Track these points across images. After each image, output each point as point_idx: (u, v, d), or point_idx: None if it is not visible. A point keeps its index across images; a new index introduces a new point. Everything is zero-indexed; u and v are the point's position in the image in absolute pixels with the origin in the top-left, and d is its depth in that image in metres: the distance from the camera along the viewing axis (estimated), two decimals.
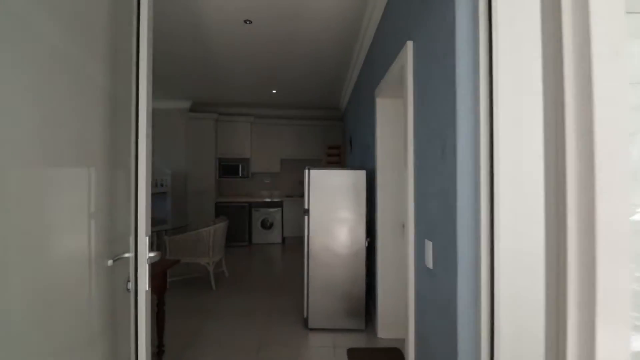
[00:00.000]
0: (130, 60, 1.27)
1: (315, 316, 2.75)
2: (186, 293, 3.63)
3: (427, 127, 1.51)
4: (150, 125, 1.31)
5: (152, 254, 1.26)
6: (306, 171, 2.78)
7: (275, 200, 6.19)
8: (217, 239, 3.84)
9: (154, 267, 2.40)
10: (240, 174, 6.32)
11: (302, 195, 6.87)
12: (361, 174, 2.77)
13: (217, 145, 6.25)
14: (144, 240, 1.24)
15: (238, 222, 6.02)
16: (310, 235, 2.76)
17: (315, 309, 2.75)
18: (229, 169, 6.30)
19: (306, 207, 2.77)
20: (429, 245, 1.46)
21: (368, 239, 2.78)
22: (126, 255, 1.24)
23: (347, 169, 2.79)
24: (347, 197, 2.77)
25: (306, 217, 2.77)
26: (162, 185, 5.81)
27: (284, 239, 6.24)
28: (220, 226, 3.88)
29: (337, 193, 2.77)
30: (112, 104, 1.19)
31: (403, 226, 2.51)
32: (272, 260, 5.17)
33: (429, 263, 1.46)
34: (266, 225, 6.14)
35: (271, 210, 6.13)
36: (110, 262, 1.15)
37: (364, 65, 3.54)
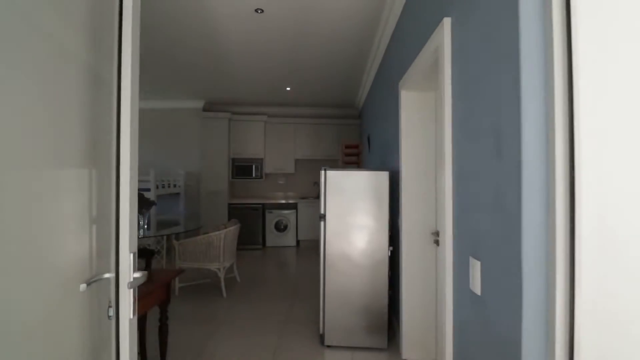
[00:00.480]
0: (111, 29, 1.02)
1: (332, 332, 2.50)
2: (195, 300, 3.44)
3: (472, 121, 1.23)
4: (137, 112, 1.09)
5: (137, 275, 1.04)
6: (322, 172, 2.53)
7: (290, 201, 5.98)
8: (228, 243, 3.65)
9: (158, 277, 2.22)
10: (253, 175, 6.14)
11: (318, 197, 6.68)
12: (383, 176, 2.50)
13: (230, 145, 6.10)
14: (127, 259, 1.02)
15: (251, 224, 5.84)
16: (327, 242, 2.51)
17: (332, 324, 2.50)
18: (242, 169, 6.13)
19: (322, 211, 2.52)
20: (475, 266, 1.18)
21: (391, 248, 2.50)
22: (106, 275, 1.03)
23: (368, 170, 2.52)
24: (368, 201, 2.50)
25: (322, 222, 2.52)
26: (174, 185, 5.70)
27: (298, 242, 6.02)
28: (232, 230, 3.68)
29: (357, 196, 2.51)
30: (89, 81, 0.96)
31: (434, 235, 2.23)
32: (286, 264, 4.95)
33: (475, 287, 1.18)
34: (280, 228, 5.93)
35: (285, 212, 5.92)
36: (83, 286, 0.93)
37: (386, 56, 3.26)
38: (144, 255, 2.23)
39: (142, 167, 5.69)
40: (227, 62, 4.05)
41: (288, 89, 5.12)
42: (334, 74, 4.44)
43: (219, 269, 3.57)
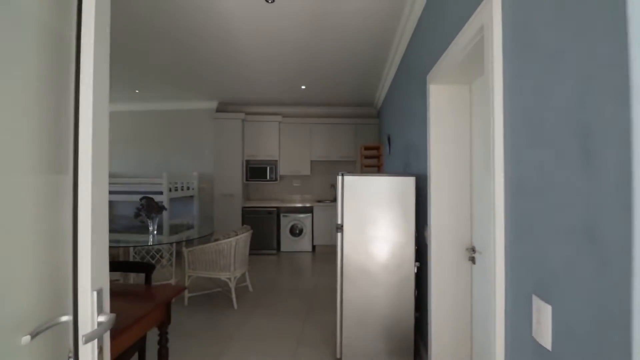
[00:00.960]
0: None
1: (350, 357, 2.23)
2: (204, 311, 3.25)
3: (539, 118, 0.94)
4: (107, 94, 0.86)
5: (102, 319, 0.81)
6: (339, 177, 2.26)
7: (306, 205, 5.74)
8: (239, 251, 3.44)
9: (157, 295, 2.02)
10: (268, 177, 5.94)
11: (334, 200, 6.41)
12: (408, 182, 2.21)
13: (244, 146, 5.92)
14: (88, 298, 0.80)
15: (266, 228, 5.64)
16: (345, 256, 2.24)
17: (351, 348, 2.23)
18: (256, 171, 5.94)
19: (339, 221, 2.25)
20: (542, 309, 0.89)
21: (417, 264, 2.21)
22: (63, 319, 0.80)
23: (391, 175, 2.24)
24: (391, 210, 2.22)
25: (339, 233, 2.25)
26: (188, 188, 5.58)
27: (314, 247, 5.77)
28: (243, 237, 3.47)
29: (378, 205, 2.23)
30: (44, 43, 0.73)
31: (469, 251, 1.92)
32: (301, 271, 4.71)
33: (542, 337, 0.89)
34: (295, 232, 5.70)
35: (301, 215, 5.69)
36: (25, 339, 0.71)
37: (410, 48, 2.96)
38: (143, 270, 2.04)
39: (155, 170, 5.58)
40: (239, 59, 3.86)
41: (303, 87, 4.89)
42: (352, 70, 4.17)
43: (229, 279, 3.37)
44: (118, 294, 1.90)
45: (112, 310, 0.86)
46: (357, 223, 2.24)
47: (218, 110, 5.98)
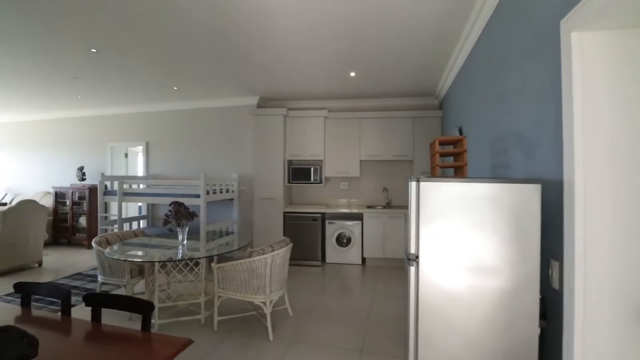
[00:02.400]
0: None
1: None
2: (235, 342, 2.70)
3: None
4: None
5: None
6: (412, 185, 1.53)
7: (354, 211, 5.03)
8: (276, 269, 2.85)
9: (153, 350, 1.48)
10: (312, 179, 5.33)
11: (387, 206, 5.58)
12: (529, 192, 1.41)
13: (286, 145, 5.38)
14: None
15: (310, 236, 5.04)
16: (421, 304, 1.50)
17: None
18: (299, 172, 5.37)
19: (412, 249, 1.52)
20: None
21: (543, 323, 1.40)
22: None
23: (500, 181, 1.46)
24: (498, 234, 1.44)
25: (411, 267, 1.52)
26: (227, 191, 5.17)
27: (364, 260, 5.04)
28: (281, 253, 2.87)
29: (477, 225, 1.46)
30: None
31: None
32: (350, 289, 4.01)
33: None
34: (342, 242, 5.02)
35: (349, 223, 4.99)
36: None
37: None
38: (141, 310, 1.49)
39: (192, 171, 5.24)
40: (280, 45, 3.27)
41: (352, 74, 4.18)
42: (411, 51, 3.38)
43: (264, 303, 2.79)
44: (102, 338, 1.37)
45: None
46: (441, 253, 1.49)
47: (259, 106, 5.51)
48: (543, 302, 1.43)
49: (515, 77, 1.98)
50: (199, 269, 3.15)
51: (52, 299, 2.46)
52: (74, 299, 3.54)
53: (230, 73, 4.26)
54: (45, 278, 4.34)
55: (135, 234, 3.80)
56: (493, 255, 1.44)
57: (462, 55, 3.32)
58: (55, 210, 6.47)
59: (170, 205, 3.25)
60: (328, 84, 4.64)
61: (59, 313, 1.67)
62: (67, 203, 6.37)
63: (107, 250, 3.04)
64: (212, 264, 2.88)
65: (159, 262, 2.89)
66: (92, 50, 3.47)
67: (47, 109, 6.41)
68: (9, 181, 7.30)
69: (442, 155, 2.35)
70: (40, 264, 4.91)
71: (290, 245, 3.08)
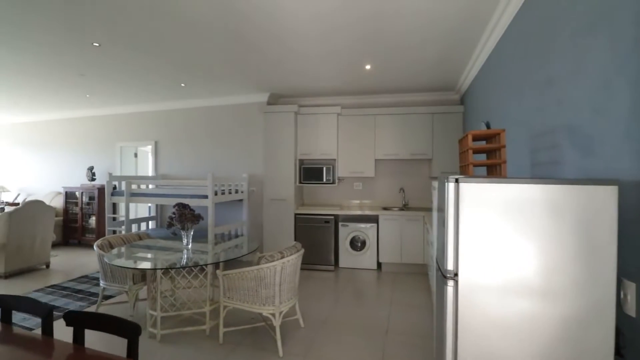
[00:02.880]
0: None
1: None
2: (242, 356, 2.48)
3: None
4: None
5: None
6: (449, 186, 1.26)
7: (368, 213, 4.76)
8: (287, 278, 2.61)
9: None
10: (324, 179, 5.08)
11: (404, 208, 5.27)
12: (602, 195, 1.12)
13: (297, 143, 5.14)
14: None
15: (322, 239, 4.79)
16: (460, 332, 1.23)
17: None
18: (311, 172, 5.12)
19: (449, 265, 1.25)
20: None
21: None
22: None
23: (559, 182, 1.17)
24: (559, 247, 1.15)
25: (449, 287, 1.25)
26: (236, 191, 4.97)
27: (379, 265, 4.76)
28: (292, 260, 2.63)
29: (531, 236, 1.18)
30: None
31: None
32: (366, 297, 3.74)
33: None
34: (357, 246, 4.75)
35: (363, 225, 4.71)
36: None
37: None
38: (125, 334, 1.27)
39: (202, 171, 5.03)
40: (290, 36, 3.04)
41: (368, 67, 3.91)
42: (432, 41, 3.08)
43: (273, 315, 2.55)
44: None
45: None
46: (487, 270, 1.21)
47: (269, 103, 5.29)
48: (618, 333, 1.14)
49: (565, 60, 1.68)
50: (204, 275, 2.94)
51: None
52: (77, 304, 3.40)
53: (238, 67, 4.05)
54: (51, 280, 4.23)
55: (139, 236, 3.63)
56: (553, 275, 1.15)
57: (490, 42, 3.01)
58: (66, 210, 6.42)
59: (174, 207, 3.06)
60: (341, 78, 4.38)
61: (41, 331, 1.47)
62: (78, 203, 6.31)
63: (107, 255, 2.86)
64: (217, 271, 2.67)
65: (163, 269, 2.69)
66: (95, 44, 3.31)
67: (58, 108, 6.36)
68: (22, 182, 7.32)
69: (477, 152, 2.06)
70: (48, 266, 4.82)
71: (302, 251, 2.83)
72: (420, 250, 4.51)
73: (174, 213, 3.01)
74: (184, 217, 2.99)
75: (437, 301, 1.54)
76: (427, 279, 4.29)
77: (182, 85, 4.78)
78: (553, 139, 1.82)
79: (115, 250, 3.05)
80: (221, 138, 5.59)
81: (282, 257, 2.57)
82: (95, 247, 3.12)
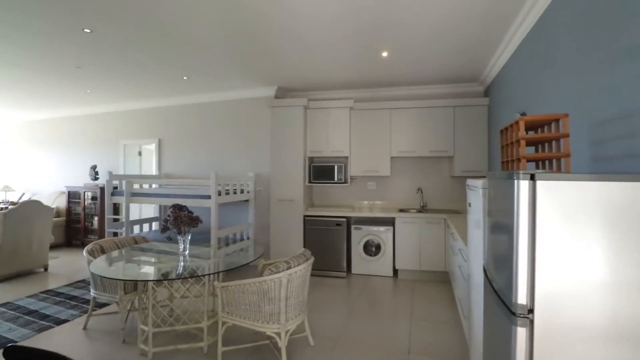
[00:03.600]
0: None
1: None
2: None
3: None
4: None
5: None
6: (520, 184, 0.89)
7: (384, 215, 4.38)
8: (293, 291, 2.27)
9: None
10: (336, 179, 4.72)
11: (423, 209, 4.75)
12: None
13: (306, 140, 4.80)
14: None
15: (333, 243, 4.43)
16: None
17: None
18: (321, 171, 4.77)
19: (521, 298, 0.88)
20: None
21: None
22: None
23: None
24: None
25: (521, 328, 0.88)
26: (242, 191, 4.66)
27: (396, 272, 4.37)
28: (300, 271, 2.29)
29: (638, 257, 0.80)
30: None
31: None
32: (383, 309, 3.36)
33: None
34: (371, 250, 4.38)
35: (378, 229, 4.34)
36: None
37: None
38: None
39: (206, 169, 4.64)
40: (298, 18, 2.69)
41: (384, 54, 3.53)
42: (457, 24, 2.69)
43: (278, 335, 2.21)
44: None
45: None
46: (576, 306, 0.84)
47: (277, 97, 4.96)
48: None
49: None
50: (202, 286, 2.62)
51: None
52: (69, 312, 3.13)
53: (242, 58, 3.73)
54: (47, 285, 3.99)
55: (135, 240, 3.34)
56: None
57: (528, 21, 2.60)
58: (69, 210, 6.24)
59: (169, 208, 2.75)
60: (354, 68, 4.01)
61: None
62: (80, 203, 6.11)
63: (94, 262, 2.56)
64: (215, 283, 2.34)
65: (152, 280, 2.38)
66: (86, 30, 3.03)
67: (60, 106, 6.18)
68: (27, 181, 7.18)
69: (530, 143, 1.67)
70: (46, 269, 4.61)
71: (311, 260, 2.49)
72: (442, 257, 4.11)
73: (168, 215, 2.70)
74: (179, 220, 2.68)
75: (491, 340, 1.16)
76: (449, 287, 3.89)
77: (185, 78, 4.49)
78: (629, 126, 1.43)
79: (105, 257, 2.76)
80: (227, 135, 5.30)
81: (289, 268, 2.22)
82: (84, 253, 2.84)
